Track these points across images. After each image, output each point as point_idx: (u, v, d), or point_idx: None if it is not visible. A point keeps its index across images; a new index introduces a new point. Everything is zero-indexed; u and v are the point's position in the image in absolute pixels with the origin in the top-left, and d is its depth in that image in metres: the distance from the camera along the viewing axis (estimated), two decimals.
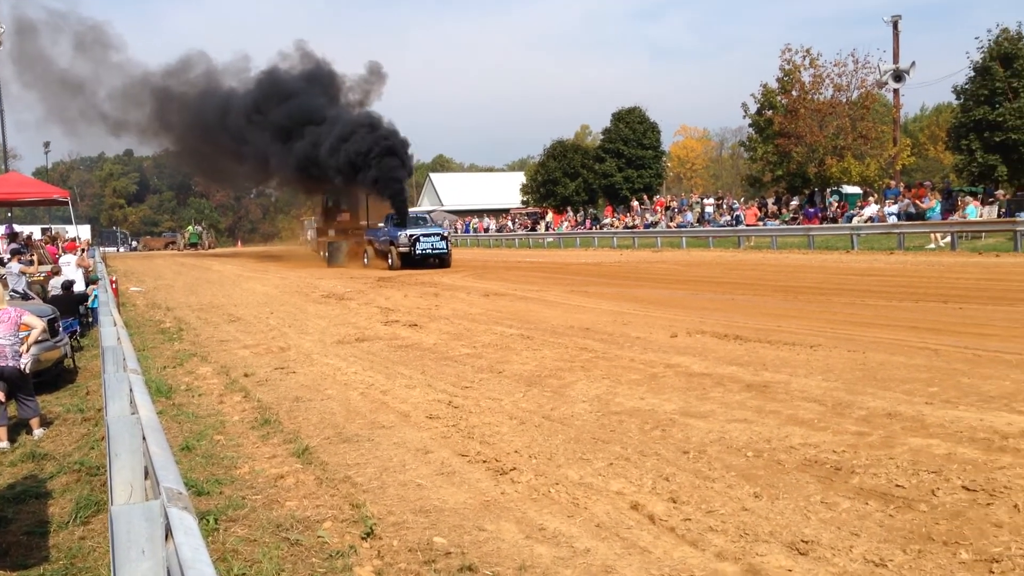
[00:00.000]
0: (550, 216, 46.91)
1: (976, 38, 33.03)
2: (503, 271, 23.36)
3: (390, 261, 27.36)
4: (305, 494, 5.25)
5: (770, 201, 37.24)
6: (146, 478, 3.46)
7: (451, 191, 74.33)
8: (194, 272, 30.54)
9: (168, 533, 2.39)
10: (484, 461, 5.69)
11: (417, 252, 26.74)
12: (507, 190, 64.16)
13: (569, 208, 48.05)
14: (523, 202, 55.91)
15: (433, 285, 19.69)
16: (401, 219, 28.40)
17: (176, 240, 65.06)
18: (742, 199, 40.77)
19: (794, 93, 35.92)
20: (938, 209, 27.09)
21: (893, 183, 33.82)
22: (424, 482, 5.35)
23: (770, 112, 37.45)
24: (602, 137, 51.70)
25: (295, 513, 4.92)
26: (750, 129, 40.85)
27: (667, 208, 40.70)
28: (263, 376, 9.23)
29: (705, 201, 39.38)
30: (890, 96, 36.79)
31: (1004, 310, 11.33)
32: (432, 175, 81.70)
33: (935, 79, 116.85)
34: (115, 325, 7.41)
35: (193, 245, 60.25)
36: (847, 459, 5.14)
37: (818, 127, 34.54)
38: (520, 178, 58.37)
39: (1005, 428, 5.49)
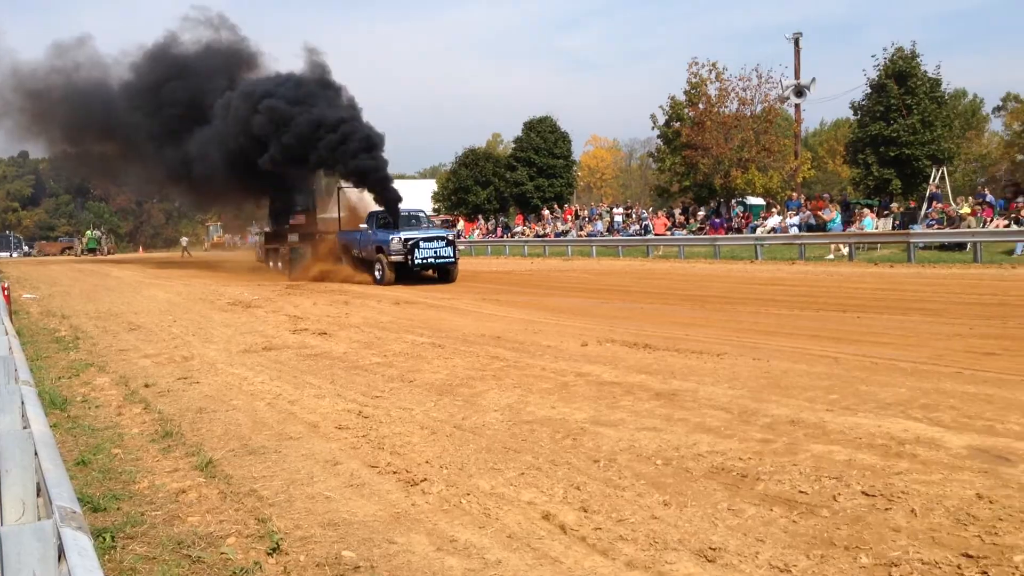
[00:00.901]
0: (461, 224, 46.87)
1: (872, 56, 34.51)
2: (413, 279, 22.27)
3: (378, 273, 21.90)
4: (208, 509, 5.09)
5: (677, 211, 37.99)
6: (39, 495, 3.30)
7: (361, 198, 73.37)
8: (92, 278, 29.46)
9: (61, 554, 2.27)
10: (395, 472, 5.61)
11: (416, 261, 21.43)
12: (418, 198, 63.78)
13: (480, 216, 48.08)
14: (434, 210, 55.67)
15: (343, 292, 19.44)
16: (392, 219, 23.11)
17: (73, 245, 62.76)
18: (651, 209, 41.44)
19: (701, 106, 36.77)
20: (838, 220, 28.04)
21: (795, 195, 34.88)
22: (333, 494, 5.25)
23: (678, 124, 38.24)
24: (513, 146, 51.89)
25: (197, 529, 4.76)
26: (658, 140, 41.61)
27: (577, 217, 41.13)
28: (165, 386, 8.94)
29: (615, 210, 39.92)
30: (792, 111, 37.95)
31: (898, 319, 11.77)
32: (341, 182, 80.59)
33: (834, 95, 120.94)
34: (6, 334, 7.07)
35: (91, 251, 58.20)
36: (753, 466, 5.24)
37: (724, 139, 35.38)
38: (432, 186, 58.13)
39: (901, 434, 5.68)
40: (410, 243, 21.50)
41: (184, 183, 33.49)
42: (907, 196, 31.38)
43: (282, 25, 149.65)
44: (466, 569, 4.08)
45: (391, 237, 21.69)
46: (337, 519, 4.82)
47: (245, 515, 4.93)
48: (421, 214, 25.82)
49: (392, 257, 21.50)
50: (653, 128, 41.10)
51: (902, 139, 30.88)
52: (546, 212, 43.18)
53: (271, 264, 29.75)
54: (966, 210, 26.27)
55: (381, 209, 24.19)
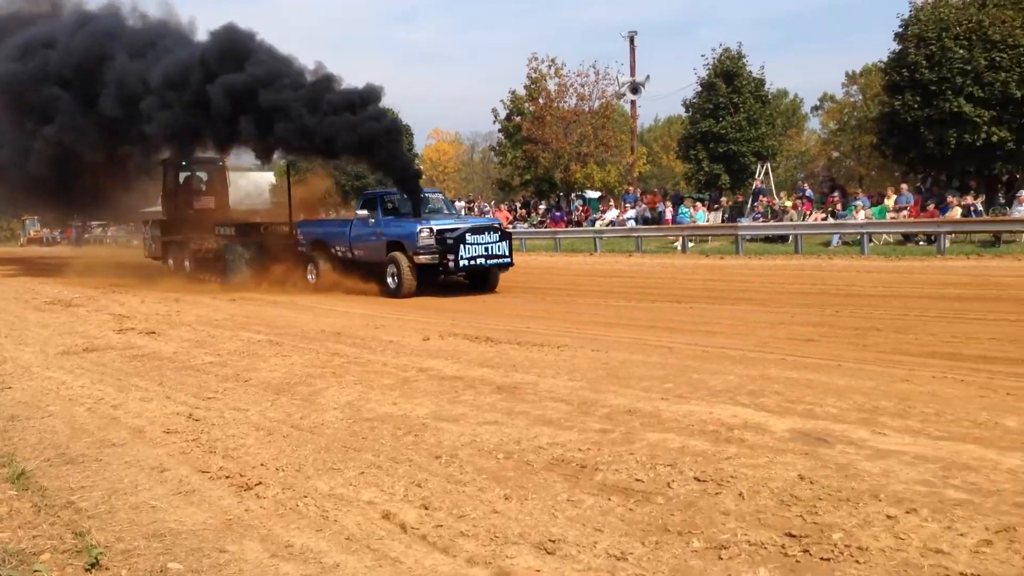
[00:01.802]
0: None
1: (702, 56, 35.88)
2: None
3: (392, 280, 15.99)
4: (20, 524, 4.72)
5: (519, 205, 38.45)
6: None
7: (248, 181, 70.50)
8: None
9: None
10: (227, 476, 5.37)
11: (461, 262, 15.37)
12: (259, 190, 61.85)
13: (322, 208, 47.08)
14: (275, 202, 54.21)
15: (174, 289, 18.57)
16: (413, 205, 17.03)
17: None
18: (492, 202, 41.77)
19: (540, 101, 37.32)
20: (681, 214, 29.11)
21: (631, 189, 35.95)
22: (159, 503, 4.97)
23: (518, 118, 38.64)
24: None
25: (8, 546, 4.40)
26: (500, 134, 41.96)
27: None
28: None
29: (457, 204, 40.00)
30: (628, 107, 39.11)
31: (728, 309, 12.31)
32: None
33: (667, 92, 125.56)
34: None
35: None
36: (592, 456, 5.31)
37: (563, 134, 36.07)
38: (270, 178, 56.53)
39: (730, 420, 5.91)
40: (450, 237, 15.53)
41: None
42: (735, 190, 32.92)
43: None
44: (302, 574, 3.95)
45: (418, 228, 15.68)
46: (163, 529, 4.56)
47: (61, 529, 4.60)
48: (440, 195, 19.64)
49: (420, 257, 15.60)
50: (495, 122, 41.41)
51: (730, 136, 32.34)
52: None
53: (171, 262, 23.07)
54: (788, 204, 27.81)
55: (385, 190, 18.78)
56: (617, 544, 4.03)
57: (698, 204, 29.65)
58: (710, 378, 7.31)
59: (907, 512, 4.09)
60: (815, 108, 55.79)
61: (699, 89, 33.74)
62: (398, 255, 15.90)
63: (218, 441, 6.17)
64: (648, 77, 36.59)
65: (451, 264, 15.47)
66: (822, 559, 3.70)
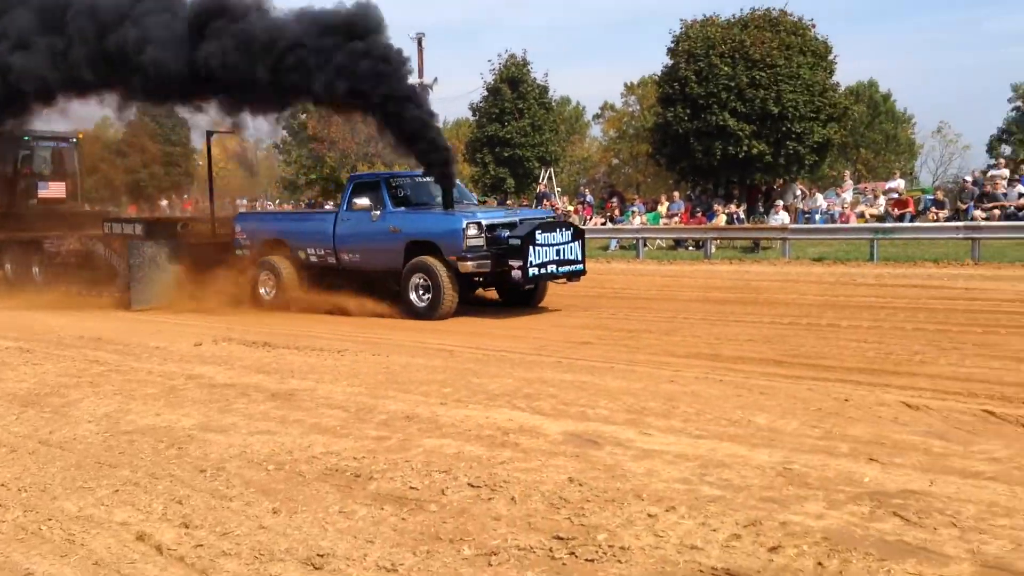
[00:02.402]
0: None
1: (489, 61, 36.48)
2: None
3: (420, 296, 11.88)
4: None
5: (305, 204, 37.60)
6: None
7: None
8: None
9: None
10: None
11: (530, 270, 11.52)
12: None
13: None
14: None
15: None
16: (444, 192, 12.68)
17: None
18: (276, 201, 40.58)
19: None
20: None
21: None
22: None
23: (304, 116, 37.78)
24: (124, 130, 48.12)
25: None
26: (284, 132, 40.85)
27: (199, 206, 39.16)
28: None
29: (237, 202, 38.52)
30: None
31: (505, 311, 12.51)
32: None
33: (455, 95, 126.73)
34: None
35: None
36: (367, 465, 5.20)
37: (350, 133, 35.58)
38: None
39: (506, 424, 5.97)
40: (514, 236, 11.64)
41: None
42: (520, 194, 33.70)
43: None
44: None
45: (464, 223, 11.62)
46: None
47: None
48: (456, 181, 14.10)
49: (467, 264, 11.52)
50: (278, 121, 40.17)
51: (515, 140, 33.10)
52: (163, 202, 40.62)
53: (7, 268, 17.32)
54: (571, 208, 28.77)
55: (388, 172, 15.37)
56: (388, 555, 3.95)
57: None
58: (489, 382, 7.37)
59: (667, 510, 4.26)
60: (596, 116, 58.13)
61: (485, 93, 34.30)
62: (430, 261, 11.69)
63: None
64: (436, 79, 36.73)
65: (516, 273, 11.48)
66: (587, 560, 3.78)
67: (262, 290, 13.48)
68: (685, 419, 6.00)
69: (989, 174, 22.43)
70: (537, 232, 11.53)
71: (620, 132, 53.03)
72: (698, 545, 3.85)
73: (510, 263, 11.47)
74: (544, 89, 34.33)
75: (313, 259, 13.23)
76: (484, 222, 11.76)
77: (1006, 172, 21.96)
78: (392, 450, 5.50)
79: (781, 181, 27.45)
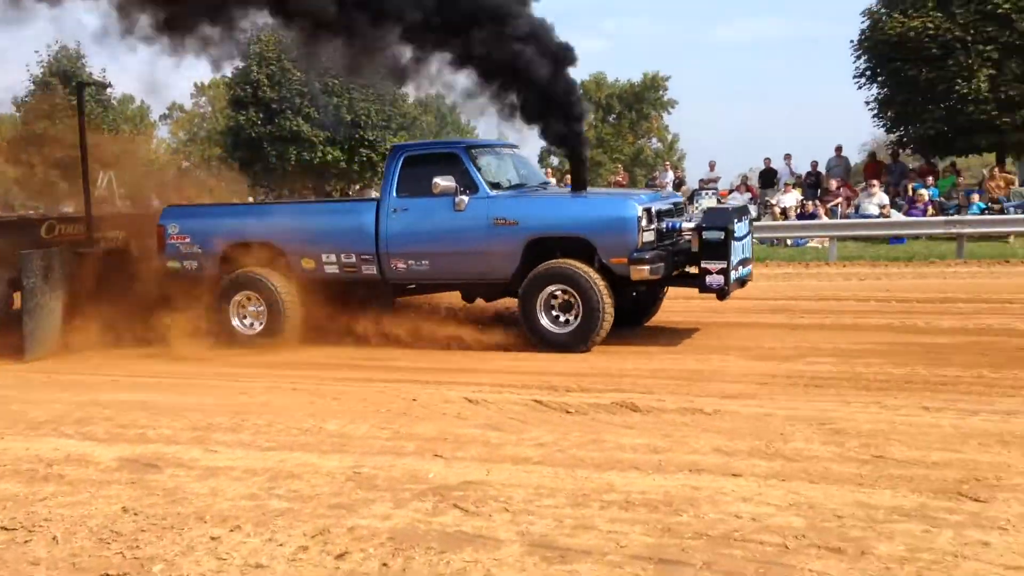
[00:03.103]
0: None
1: (36, 52, 33.02)
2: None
3: (556, 316, 8.28)
4: None
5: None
6: None
7: None
8: None
9: None
10: None
11: (732, 272, 8.22)
12: None
13: None
14: None
15: None
16: (578, 176, 9.46)
17: None
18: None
19: None
20: None
21: None
22: None
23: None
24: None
25: None
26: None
27: None
28: None
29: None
30: None
31: None
32: None
33: None
34: None
35: None
36: None
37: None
38: None
39: (51, 454, 5.34)
40: (707, 228, 8.35)
41: None
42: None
43: None
44: None
45: (638, 210, 8.19)
46: None
47: None
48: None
49: (640, 269, 8.09)
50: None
51: (69, 139, 30.23)
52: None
53: None
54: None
55: (466, 140, 11.88)
56: None
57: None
58: (32, 409, 6.57)
59: (231, 530, 4.05)
60: (164, 116, 55.01)
61: (33, 88, 30.94)
62: (576, 266, 8.23)
63: None
64: None
65: (715, 280, 8.21)
66: None
67: (235, 322, 9.24)
68: (255, 431, 5.81)
69: None
70: (735, 222, 8.42)
71: (191, 134, 50.67)
72: (263, 563, 3.70)
73: (704, 266, 8.30)
74: (103, 85, 31.71)
75: (332, 270, 9.15)
76: (654, 207, 8.53)
77: None
78: None
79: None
